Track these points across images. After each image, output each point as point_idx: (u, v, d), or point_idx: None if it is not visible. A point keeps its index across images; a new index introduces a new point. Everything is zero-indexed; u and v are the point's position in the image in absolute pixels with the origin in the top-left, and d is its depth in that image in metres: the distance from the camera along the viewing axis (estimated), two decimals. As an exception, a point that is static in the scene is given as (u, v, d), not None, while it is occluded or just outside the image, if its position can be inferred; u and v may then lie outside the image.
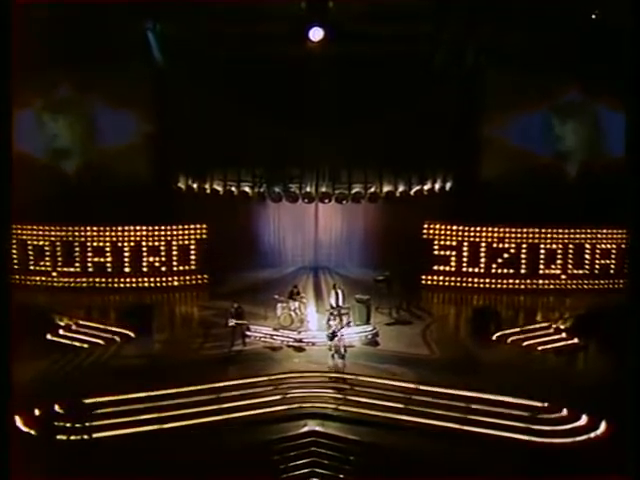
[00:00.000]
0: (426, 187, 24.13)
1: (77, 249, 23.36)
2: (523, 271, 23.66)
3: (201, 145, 23.33)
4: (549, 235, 23.62)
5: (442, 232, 23.81)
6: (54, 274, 23.43)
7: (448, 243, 23.85)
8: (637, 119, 9.66)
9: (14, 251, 22.30)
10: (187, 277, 23.97)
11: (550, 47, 21.86)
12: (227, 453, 13.19)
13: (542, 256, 23.65)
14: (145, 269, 23.64)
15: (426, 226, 23.81)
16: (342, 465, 13.19)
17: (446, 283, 23.90)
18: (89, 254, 23.35)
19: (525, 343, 18.88)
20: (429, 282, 23.97)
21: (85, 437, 13.55)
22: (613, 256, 23.56)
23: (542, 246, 23.65)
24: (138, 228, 23.46)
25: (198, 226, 23.82)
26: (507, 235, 23.58)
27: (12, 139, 9.29)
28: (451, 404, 14.85)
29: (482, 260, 23.69)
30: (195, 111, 23.31)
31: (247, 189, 23.84)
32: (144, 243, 23.58)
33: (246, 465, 12.65)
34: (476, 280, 23.78)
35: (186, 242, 23.84)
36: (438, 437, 13.82)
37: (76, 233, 23.28)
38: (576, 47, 21.85)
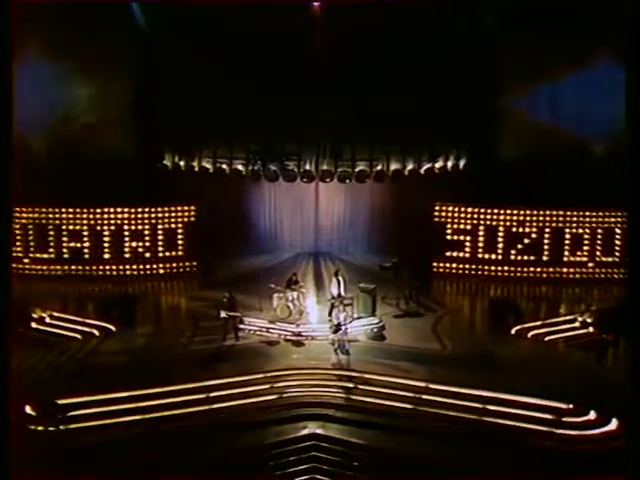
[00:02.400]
0: (438, 165, 24.07)
1: (51, 233, 23.31)
2: (545, 258, 23.64)
3: (189, 118, 23.15)
4: (575, 218, 23.58)
5: (455, 215, 23.81)
6: (26, 261, 23.40)
7: (462, 227, 23.85)
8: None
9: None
10: (174, 264, 23.99)
11: (578, 8, 21.60)
12: (219, 458, 13.13)
13: (567, 242, 23.62)
14: (127, 255, 23.63)
15: (438, 208, 23.81)
16: (345, 471, 13.17)
17: (460, 271, 23.94)
18: (64, 239, 23.33)
19: (547, 338, 18.84)
20: (441, 270, 24.03)
21: (59, 441, 13.50)
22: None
23: (567, 230, 23.62)
24: (119, 210, 23.42)
25: (186, 208, 23.80)
26: (528, 218, 23.54)
27: (12, 135, 9.36)
28: (465, 405, 14.79)
29: (500, 246, 23.66)
30: (183, 81, 23.14)
31: (240, 167, 23.78)
32: (126, 227, 23.55)
33: (241, 471, 12.59)
34: (493, 268, 23.77)
35: (173, 225, 23.84)
36: (450, 441, 13.76)
37: (50, 215, 23.22)
38: (609, 8, 21.50)
